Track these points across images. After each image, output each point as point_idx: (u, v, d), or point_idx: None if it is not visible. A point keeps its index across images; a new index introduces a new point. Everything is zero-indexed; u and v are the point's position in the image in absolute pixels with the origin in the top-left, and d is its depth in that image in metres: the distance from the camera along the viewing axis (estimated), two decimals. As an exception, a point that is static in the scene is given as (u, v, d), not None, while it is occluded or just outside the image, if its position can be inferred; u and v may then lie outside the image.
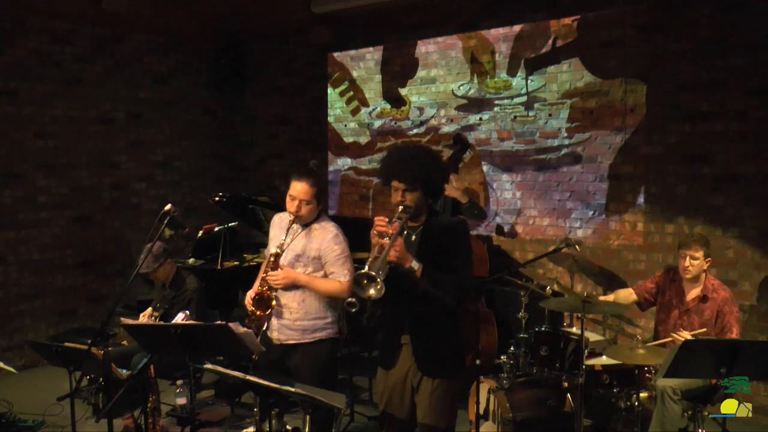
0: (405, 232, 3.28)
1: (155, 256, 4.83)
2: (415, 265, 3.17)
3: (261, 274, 3.93)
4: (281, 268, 3.81)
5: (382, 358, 3.48)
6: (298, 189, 3.77)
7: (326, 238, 3.85)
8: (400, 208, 3.25)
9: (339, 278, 3.84)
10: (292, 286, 3.83)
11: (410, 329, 3.33)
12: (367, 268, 3.06)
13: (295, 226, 3.85)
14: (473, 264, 5.46)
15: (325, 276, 3.87)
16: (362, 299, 3.21)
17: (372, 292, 3.04)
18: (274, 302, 3.82)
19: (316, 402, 3.25)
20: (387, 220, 3.22)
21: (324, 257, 3.84)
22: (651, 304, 4.70)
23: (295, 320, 3.86)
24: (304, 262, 3.85)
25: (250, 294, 3.89)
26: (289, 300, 3.86)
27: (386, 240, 3.13)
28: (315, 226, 3.88)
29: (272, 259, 3.83)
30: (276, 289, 3.82)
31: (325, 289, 3.85)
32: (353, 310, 3.23)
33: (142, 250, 4.74)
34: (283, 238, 3.82)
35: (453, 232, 3.33)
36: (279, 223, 4.00)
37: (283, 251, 3.84)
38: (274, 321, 3.89)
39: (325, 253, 3.84)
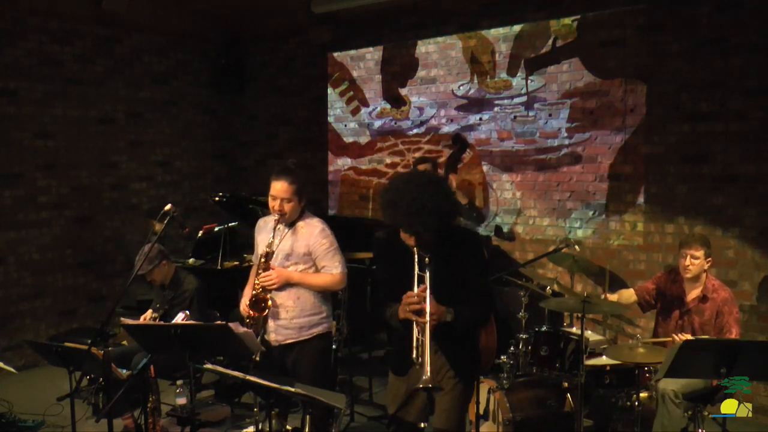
0: (428, 274, 3.13)
1: (150, 258, 4.81)
2: (449, 317, 3.13)
3: (252, 280, 3.97)
4: (272, 269, 3.86)
5: (396, 364, 3.39)
6: (278, 188, 3.82)
7: (313, 233, 3.90)
8: (416, 252, 3.13)
9: (331, 271, 3.92)
10: (286, 285, 3.88)
11: (435, 338, 3.18)
12: (423, 379, 3.00)
13: (281, 226, 3.90)
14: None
15: (317, 271, 3.93)
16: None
17: (429, 384, 3.02)
18: (270, 302, 3.86)
19: (316, 402, 3.26)
20: (417, 297, 3.08)
21: (314, 252, 3.90)
22: (651, 306, 4.69)
23: (291, 318, 3.89)
24: (294, 260, 3.90)
25: (245, 300, 3.93)
26: (284, 299, 3.89)
27: (423, 318, 3.05)
28: (300, 224, 3.93)
29: (263, 260, 3.89)
30: (270, 290, 3.86)
31: (318, 283, 3.92)
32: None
33: (140, 252, 4.76)
34: (271, 238, 3.87)
35: (466, 247, 3.24)
36: (264, 226, 4.05)
37: (273, 252, 3.88)
38: (270, 323, 3.91)
39: (315, 248, 3.89)
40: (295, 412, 4.42)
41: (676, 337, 4.26)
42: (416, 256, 3.14)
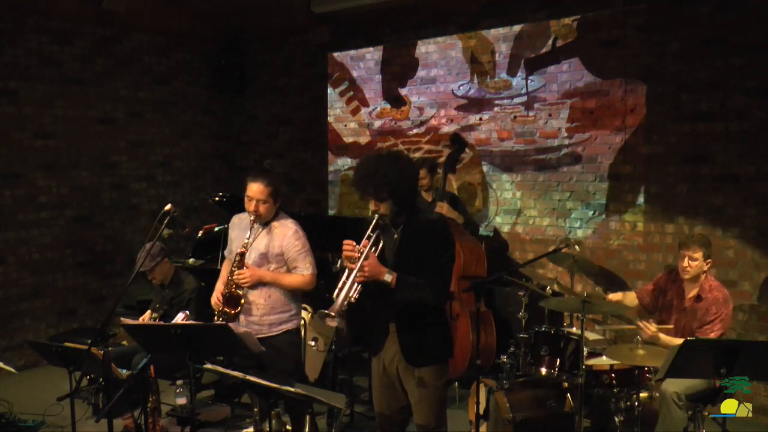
0: (380, 245, 3.34)
1: (152, 255, 4.84)
2: (388, 277, 3.24)
3: (224, 274, 4.11)
4: (247, 267, 3.99)
5: (372, 343, 3.57)
6: (254, 189, 3.95)
7: (287, 234, 4.05)
8: (376, 216, 3.34)
9: (302, 272, 4.07)
10: (258, 284, 4.01)
11: (397, 318, 3.41)
12: (334, 307, 3.19)
13: (256, 225, 4.02)
14: (471, 264, 5.54)
15: (289, 271, 4.07)
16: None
17: (333, 324, 3.21)
18: (243, 300, 4.00)
19: (314, 401, 3.27)
20: (354, 244, 3.28)
21: (286, 253, 4.04)
22: (654, 308, 4.68)
23: (262, 315, 4.05)
24: (268, 259, 4.04)
25: (217, 294, 4.06)
26: (256, 297, 4.04)
27: (354, 264, 3.23)
28: (275, 224, 4.07)
29: (238, 258, 4.02)
30: (243, 288, 4.00)
31: (289, 283, 4.06)
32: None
33: (141, 250, 4.77)
34: (247, 237, 3.99)
35: (432, 232, 3.38)
36: (239, 223, 4.19)
37: (247, 250, 4.00)
38: (242, 318, 4.07)
39: (287, 249, 4.04)
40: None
41: (640, 324, 4.27)
42: (374, 221, 3.33)
